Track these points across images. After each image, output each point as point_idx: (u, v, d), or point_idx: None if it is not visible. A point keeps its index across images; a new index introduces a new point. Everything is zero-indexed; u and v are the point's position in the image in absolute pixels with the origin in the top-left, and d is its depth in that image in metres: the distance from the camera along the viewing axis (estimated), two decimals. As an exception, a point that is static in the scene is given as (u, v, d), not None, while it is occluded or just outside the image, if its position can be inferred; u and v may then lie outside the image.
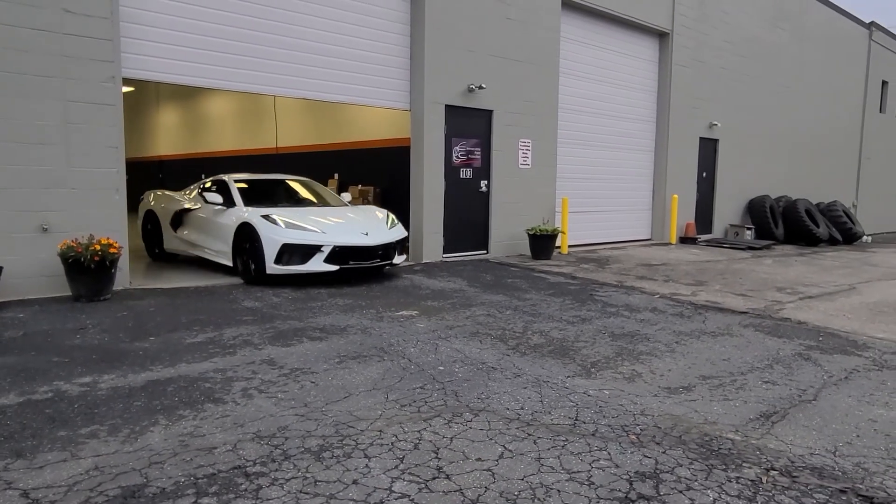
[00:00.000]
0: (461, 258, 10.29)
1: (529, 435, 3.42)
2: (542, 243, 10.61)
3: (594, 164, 12.91)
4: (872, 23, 21.35)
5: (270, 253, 7.15)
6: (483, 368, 4.57)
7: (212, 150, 16.95)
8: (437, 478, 2.91)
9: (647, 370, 4.70)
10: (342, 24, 8.84)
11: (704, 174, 15.44)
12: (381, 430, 3.42)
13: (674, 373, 4.67)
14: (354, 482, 2.85)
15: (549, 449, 3.25)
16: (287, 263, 7.20)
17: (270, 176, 9.54)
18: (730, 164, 16.00)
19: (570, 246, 12.06)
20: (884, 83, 22.65)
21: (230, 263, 7.82)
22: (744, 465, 3.17)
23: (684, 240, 14.54)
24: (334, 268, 7.33)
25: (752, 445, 3.42)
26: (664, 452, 3.26)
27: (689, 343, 5.52)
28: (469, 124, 10.24)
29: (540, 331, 5.74)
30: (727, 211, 16.30)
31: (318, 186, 9.60)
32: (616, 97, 13.20)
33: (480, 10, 10.09)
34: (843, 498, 2.88)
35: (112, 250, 6.21)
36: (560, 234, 11.20)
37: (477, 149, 10.42)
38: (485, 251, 10.78)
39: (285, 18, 8.28)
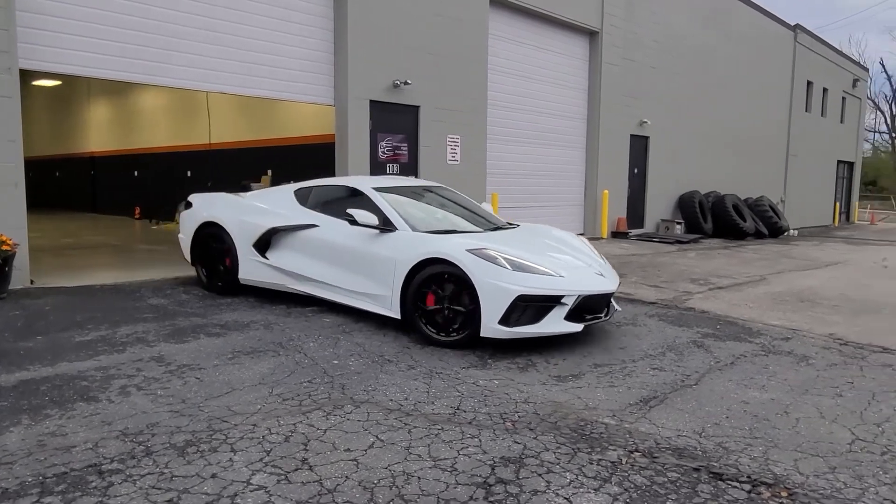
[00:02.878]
0: (390, 254, 10.26)
1: (406, 425, 3.43)
2: (472, 238, 10.67)
3: (525, 161, 13.06)
4: (797, 25, 22.24)
5: (495, 308, 4.79)
6: (379, 361, 4.56)
7: (145, 147, 16.44)
8: (300, 469, 2.89)
9: (543, 360, 4.77)
10: (265, 19, 8.67)
11: (636, 170, 15.82)
12: (255, 425, 3.37)
13: (568, 361, 4.76)
14: (213, 476, 2.81)
15: (421, 438, 3.27)
16: (516, 323, 4.85)
17: (405, 181, 7.10)
18: (661, 161, 16.43)
19: (501, 241, 12.18)
20: (809, 83, 23.63)
21: (392, 313, 5.35)
22: (609, 447, 3.25)
23: (616, 234, 14.88)
24: (578, 327, 5.06)
25: (624, 429, 3.52)
26: (535, 438, 3.32)
27: (592, 333, 5.64)
28: (396, 120, 10.22)
29: (448, 323, 5.77)
30: (658, 206, 16.74)
31: (461, 196, 7.18)
32: (547, 94, 13.39)
33: (406, 4, 10.07)
34: (695, 476, 2.98)
35: (5, 247, 5.95)
36: (490, 230, 11.28)
37: (404, 144, 10.41)
38: (415, 247, 10.77)
39: (206, 12, 8.08)
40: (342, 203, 6.13)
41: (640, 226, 16.13)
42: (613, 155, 14.88)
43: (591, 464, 3.05)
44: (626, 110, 15.04)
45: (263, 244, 6.30)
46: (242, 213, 6.59)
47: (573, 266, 5.38)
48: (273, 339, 5.04)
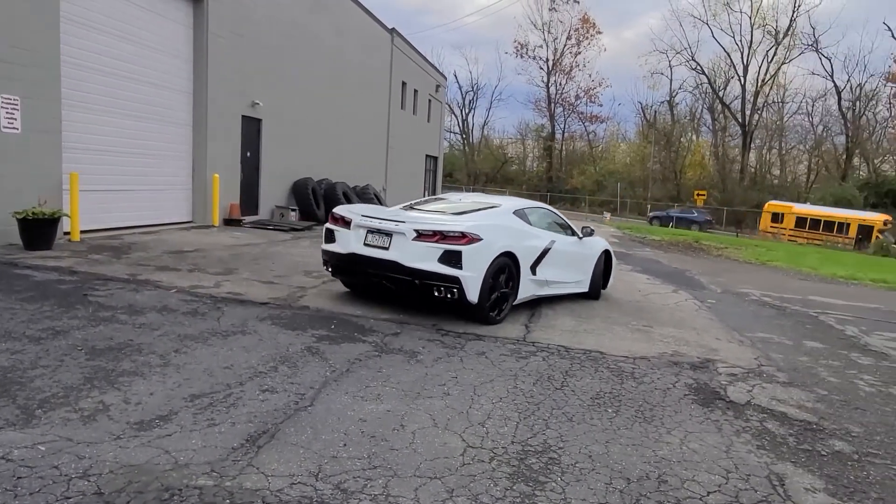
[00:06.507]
0: None
1: None
2: (39, 230, 8.40)
3: (117, 136, 10.97)
4: (393, 29, 24.23)
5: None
6: None
7: None
8: None
9: (121, 399, 3.68)
10: None
11: (248, 154, 14.97)
12: None
13: (156, 397, 3.76)
14: None
15: None
16: None
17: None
18: (275, 146, 15.91)
19: (85, 231, 10.00)
20: (403, 84, 26.11)
21: (587, 289, 8.43)
22: (203, 528, 2.48)
23: (229, 221, 13.82)
24: None
25: (225, 491, 2.77)
26: (92, 539, 2.33)
27: (193, 350, 4.70)
28: None
29: (-22, 359, 4.12)
30: (274, 192, 16.25)
31: None
32: (144, 60, 11.46)
33: None
34: (311, 545, 2.44)
35: None
36: (65, 218, 9.10)
37: (-75, 100, 7.53)
38: (-51, 241, 7.98)
39: None
40: (545, 220, 7.92)
41: (256, 212, 15.39)
42: (224, 136, 13.74)
43: (176, 564, 2.23)
44: (237, 88, 14.02)
45: (537, 263, 7.12)
46: (519, 238, 6.88)
47: None
48: None
